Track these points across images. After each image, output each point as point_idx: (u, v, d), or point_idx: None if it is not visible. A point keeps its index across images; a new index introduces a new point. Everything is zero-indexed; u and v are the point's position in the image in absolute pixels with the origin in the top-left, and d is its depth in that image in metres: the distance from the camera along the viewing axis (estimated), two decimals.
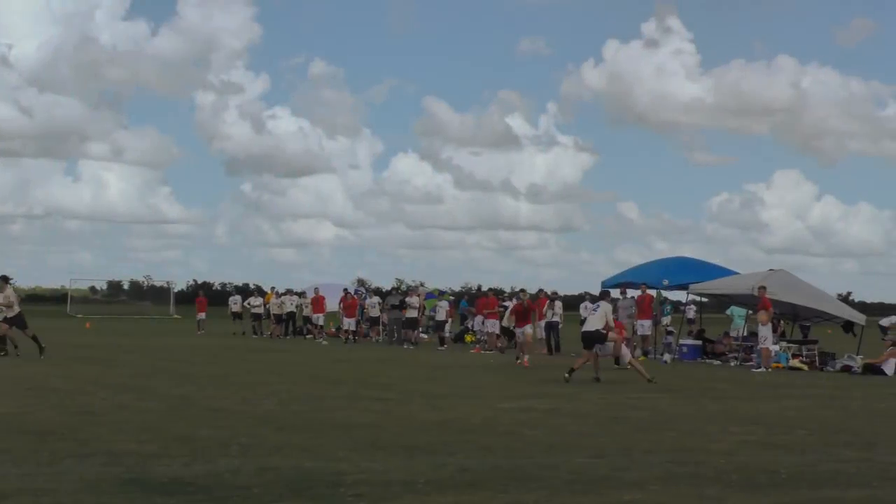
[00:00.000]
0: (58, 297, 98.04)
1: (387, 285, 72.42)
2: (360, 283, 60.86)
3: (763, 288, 32.19)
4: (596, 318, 25.02)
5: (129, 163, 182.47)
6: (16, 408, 16.63)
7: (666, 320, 41.03)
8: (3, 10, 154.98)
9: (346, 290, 48.64)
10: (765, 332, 31.15)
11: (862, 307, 49.41)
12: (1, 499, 9.30)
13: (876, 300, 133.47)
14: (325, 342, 44.43)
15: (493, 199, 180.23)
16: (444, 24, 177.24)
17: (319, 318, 47.42)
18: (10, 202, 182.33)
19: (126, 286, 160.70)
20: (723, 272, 39.49)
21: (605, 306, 25.44)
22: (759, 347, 31.48)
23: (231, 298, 56.45)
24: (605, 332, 24.80)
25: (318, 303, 47.30)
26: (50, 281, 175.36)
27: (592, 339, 24.82)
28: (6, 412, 15.99)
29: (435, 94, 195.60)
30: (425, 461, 11.89)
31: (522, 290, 37.10)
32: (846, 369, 30.86)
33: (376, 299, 47.77)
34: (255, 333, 49.96)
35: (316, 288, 49.40)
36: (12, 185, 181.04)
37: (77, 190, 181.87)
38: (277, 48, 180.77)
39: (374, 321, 46.94)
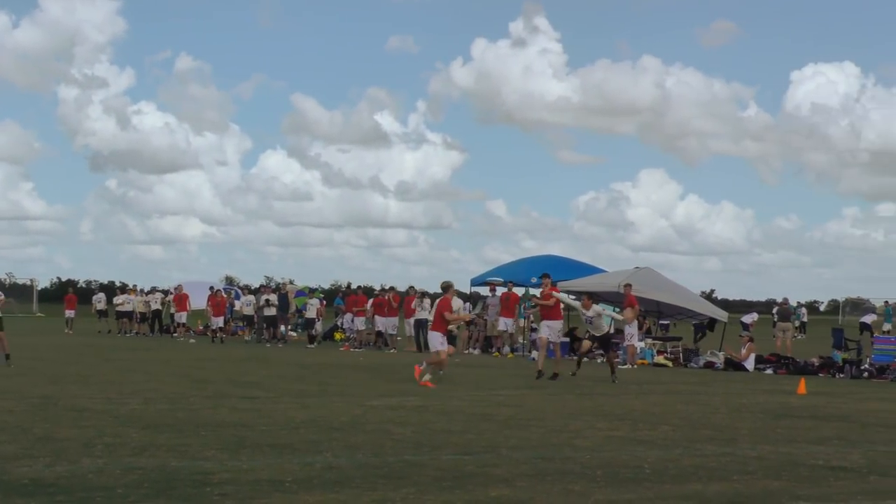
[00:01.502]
0: None
1: (255, 283, 71.65)
2: (229, 281, 60.15)
3: (629, 285, 32.68)
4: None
5: None
6: None
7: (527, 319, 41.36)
8: None
9: (212, 287, 48.15)
10: (631, 329, 31.64)
11: (724, 304, 50.47)
12: None
13: (738, 297, 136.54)
14: (192, 340, 44.08)
15: (362, 196, 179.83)
16: (312, 21, 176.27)
17: (182, 317, 46.87)
18: None
19: None
20: (590, 270, 40.05)
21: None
22: (625, 344, 31.93)
23: (95, 297, 55.55)
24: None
25: (181, 301, 46.72)
26: None
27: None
28: None
29: (303, 90, 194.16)
30: (293, 460, 11.85)
31: (391, 288, 37.17)
32: (709, 365, 31.53)
33: (250, 298, 47.35)
34: (121, 332, 49.23)
35: (178, 286, 48.79)
36: None
37: None
38: (143, 43, 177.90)
39: (249, 320, 46.40)
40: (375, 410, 17.39)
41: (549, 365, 24.96)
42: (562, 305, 26.25)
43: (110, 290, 65.80)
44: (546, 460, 12.19)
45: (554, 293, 26.45)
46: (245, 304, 46.43)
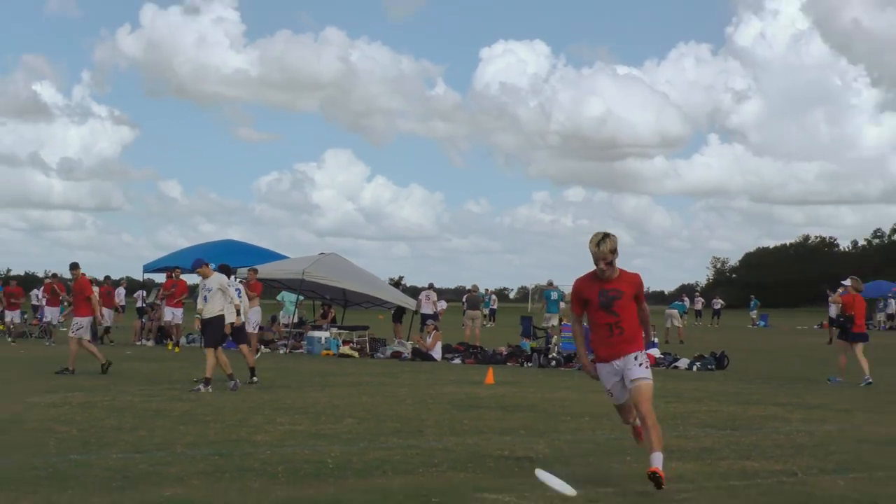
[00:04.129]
0: None
1: None
2: None
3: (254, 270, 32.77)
4: None
5: None
6: None
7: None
8: None
9: None
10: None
11: (413, 292, 51.33)
12: None
13: (425, 283, 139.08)
14: None
15: (21, 174, 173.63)
16: None
17: None
18: None
19: None
20: (272, 256, 40.11)
21: None
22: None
23: None
24: None
25: None
26: None
27: None
28: None
29: None
30: None
31: (55, 275, 36.21)
32: (396, 355, 32.10)
33: None
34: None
35: None
36: None
37: None
38: None
39: None
40: (36, 408, 17.00)
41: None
42: None
43: None
44: (224, 457, 12.22)
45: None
46: None
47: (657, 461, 10.34)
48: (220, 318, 21.11)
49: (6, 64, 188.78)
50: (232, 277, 25.56)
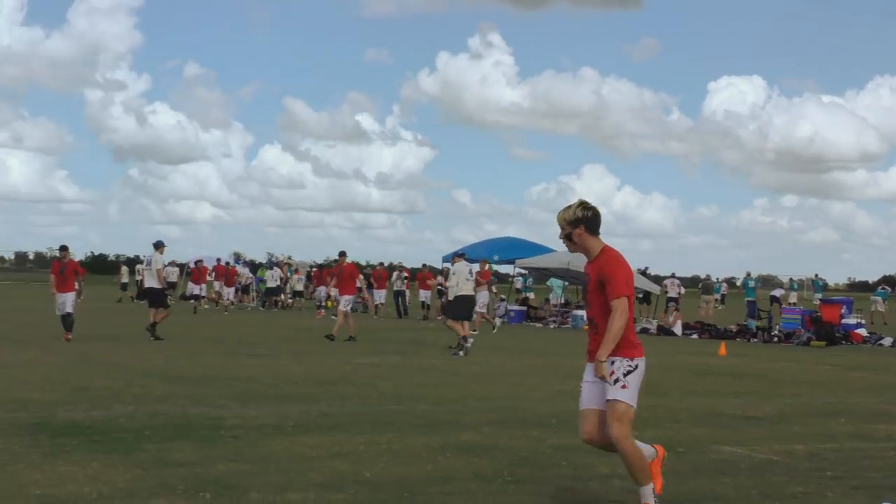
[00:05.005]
0: None
1: (259, 258, 71.30)
2: (236, 256, 59.70)
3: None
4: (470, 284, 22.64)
5: (30, 149, 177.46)
6: None
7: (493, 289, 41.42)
8: None
9: (219, 259, 47.30)
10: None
11: (656, 280, 50.60)
12: None
13: (667, 272, 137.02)
14: (207, 307, 43.63)
15: (348, 185, 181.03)
16: (301, 34, 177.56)
17: (201, 288, 45.33)
18: None
19: (31, 257, 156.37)
20: (543, 249, 40.04)
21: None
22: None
23: (124, 269, 55.09)
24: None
25: (200, 273, 45.75)
26: None
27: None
28: None
29: (294, 94, 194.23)
30: (293, 408, 11.85)
31: (381, 263, 37.15)
32: (643, 331, 31.56)
33: (247, 270, 46.92)
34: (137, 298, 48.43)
35: (198, 260, 47.82)
36: None
37: None
38: (157, 52, 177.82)
39: (275, 291, 44.37)
40: (361, 367, 17.39)
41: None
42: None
43: (135, 263, 65.23)
44: (508, 410, 12.22)
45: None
46: (270, 278, 44.95)
47: (646, 497, 6.78)
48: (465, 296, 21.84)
49: (336, 99, 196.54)
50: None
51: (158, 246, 23.83)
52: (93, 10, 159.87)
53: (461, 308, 21.80)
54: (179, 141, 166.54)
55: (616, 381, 6.60)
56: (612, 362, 6.61)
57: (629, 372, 6.62)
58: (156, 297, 23.34)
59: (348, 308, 24.27)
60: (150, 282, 23.79)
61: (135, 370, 15.69)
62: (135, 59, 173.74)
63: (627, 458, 6.69)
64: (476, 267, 25.65)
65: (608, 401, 6.63)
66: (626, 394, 6.61)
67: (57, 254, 23.56)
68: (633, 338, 6.71)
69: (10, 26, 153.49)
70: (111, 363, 16.63)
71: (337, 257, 25.85)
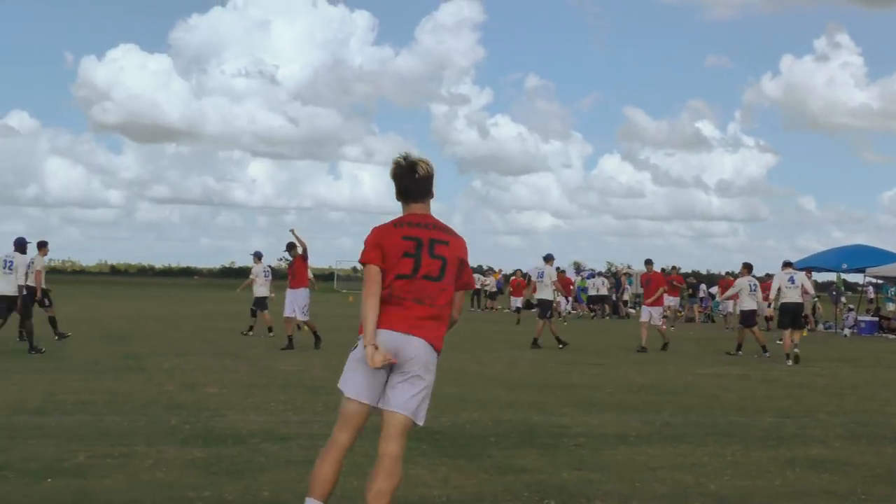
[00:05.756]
0: (326, 276, 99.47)
1: (599, 268, 71.55)
2: (576, 266, 60.35)
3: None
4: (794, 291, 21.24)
5: (379, 163, 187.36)
6: (296, 366, 17.18)
7: (842, 299, 39.66)
8: (274, 38, 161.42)
9: (518, 271, 47.17)
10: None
11: None
12: (284, 440, 9.65)
13: None
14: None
15: (688, 194, 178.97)
16: (639, 44, 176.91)
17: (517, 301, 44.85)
18: (284, 197, 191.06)
19: None
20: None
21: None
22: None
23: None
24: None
25: (517, 287, 45.32)
26: (318, 262, 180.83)
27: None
28: (290, 370, 16.56)
29: (633, 103, 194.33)
30: (635, 417, 11.83)
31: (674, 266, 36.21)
32: None
33: (601, 280, 46.69)
34: (482, 308, 49.48)
35: (518, 270, 47.78)
36: (285, 183, 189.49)
37: (337, 187, 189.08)
38: (498, 66, 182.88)
39: (603, 299, 44.63)
40: (703, 377, 17.11)
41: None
42: None
43: (477, 272, 67.08)
44: (859, 425, 11.65)
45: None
46: (593, 286, 45.24)
47: None
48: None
49: (675, 108, 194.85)
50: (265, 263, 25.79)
51: (41, 246, 21.01)
52: (439, 27, 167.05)
53: (783, 316, 21.11)
54: (520, 152, 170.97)
55: None
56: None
57: None
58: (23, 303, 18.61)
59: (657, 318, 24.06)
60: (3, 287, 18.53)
61: (479, 378, 16.14)
62: (477, 73, 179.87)
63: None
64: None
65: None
66: None
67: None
68: None
69: (363, 46, 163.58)
70: (457, 370, 17.13)
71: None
